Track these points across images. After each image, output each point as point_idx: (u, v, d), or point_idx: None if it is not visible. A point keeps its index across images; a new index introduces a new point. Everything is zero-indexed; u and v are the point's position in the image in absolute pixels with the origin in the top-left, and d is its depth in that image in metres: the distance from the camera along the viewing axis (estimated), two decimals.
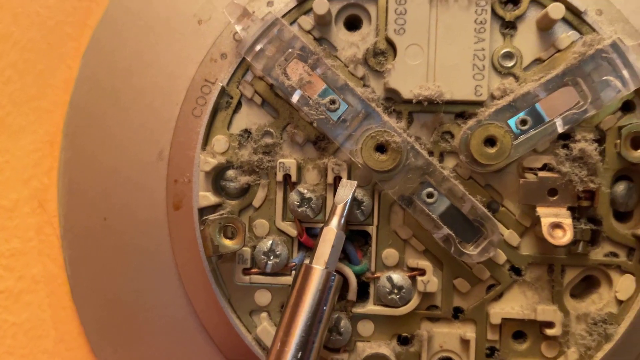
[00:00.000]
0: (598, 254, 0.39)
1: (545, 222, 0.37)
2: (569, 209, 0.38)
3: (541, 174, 0.38)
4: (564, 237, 0.37)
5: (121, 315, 0.43)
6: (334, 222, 0.38)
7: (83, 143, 0.43)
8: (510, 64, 0.39)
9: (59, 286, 0.45)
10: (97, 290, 0.43)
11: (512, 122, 0.38)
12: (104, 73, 0.43)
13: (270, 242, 0.39)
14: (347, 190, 0.38)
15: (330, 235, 0.37)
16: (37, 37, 0.45)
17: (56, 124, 0.45)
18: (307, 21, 0.40)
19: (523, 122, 0.38)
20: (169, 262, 0.42)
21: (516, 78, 0.39)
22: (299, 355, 0.35)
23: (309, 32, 0.40)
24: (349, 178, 0.40)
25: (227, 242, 0.38)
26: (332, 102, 0.38)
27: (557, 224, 0.37)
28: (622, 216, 0.40)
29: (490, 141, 0.37)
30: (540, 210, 0.38)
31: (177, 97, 0.42)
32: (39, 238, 0.45)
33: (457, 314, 0.40)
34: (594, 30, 0.39)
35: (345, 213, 0.38)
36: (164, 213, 0.42)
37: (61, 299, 0.45)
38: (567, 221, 0.37)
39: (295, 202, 0.39)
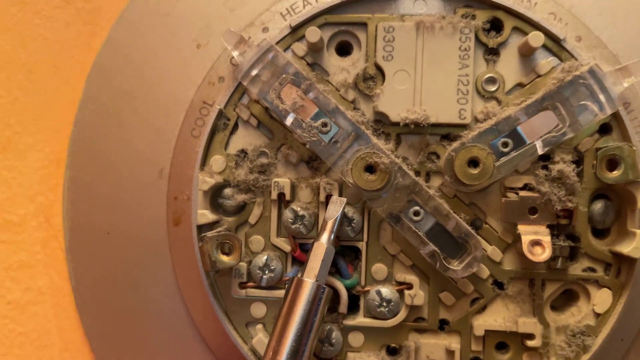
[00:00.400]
0: (577, 269, 0.41)
1: (525, 239, 0.39)
2: (549, 226, 0.40)
3: (522, 193, 0.40)
4: (542, 254, 0.39)
5: (124, 325, 0.45)
6: (324, 237, 0.40)
7: (87, 161, 0.45)
8: (493, 88, 0.41)
9: (64, 297, 0.47)
10: (100, 302, 0.45)
11: (495, 144, 0.40)
12: (107, 94, 0.45)
13: (265, 257, 0.41)
14: (337, 206, 0.40)
15: (320, 249, 0.39)
16: (43, 60, 0.47)
17: (62, 142, 0.47)
18: (300, 47, 0.42)
19: (505, 144, 0.40)
20: (169, 275, 0.44)
21: (499, 102, 0.41)
22: None
23: (302, 57, 0.42)
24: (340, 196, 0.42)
25: (224, 258, 0.40)
26: (324, 124, 0.40)
27: (537, 242, 0.39)
28: (599, 233, 0.42)
29: (474, 162, 0.39)
30: (521, 228, 0.40)
31: (177, 118, 0.44)
32: (45, 251, 0.47)
33: (442, 326, 0.42)
34: (572, 56, 0.41)
35: (335, 228, 0.40)
36: (164, 228, 0.44)
37: (66, 309, 0.47)
38: (546, 239, 0.39)
39: (289, 219, 0.41)
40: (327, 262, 0.39)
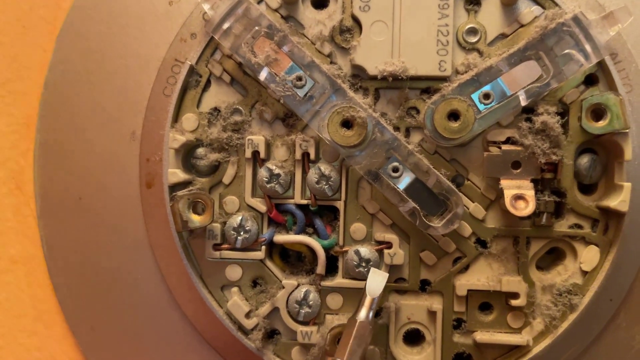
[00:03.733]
0: (563, 225, 0.40)
1: (508, 194, 0.38)
2: (533, 181, 0.39)
3: (505, 147, 0.39)
4: (526, 209, 0.37)
5: (97, 292, 0.44)
6: (363, 313, 0.37)
7: (58, 124, 0.44)
8: (474, 39, 0.40)
9: (37, 266, 0.46)
10: (73, 269, 0.44)
11: (476, 96, 0.38)
12: (77, 55, 0.44)
13: (240, 218, 0.40)
14: (379, 281, 0.38)
15: (363, 330, 0.37)
16: (12, 21, 0.46)
17: (32, 106, 0.46)
18: (274, 0, 0.40)
19: (486, 96, 0.38)
20: (143, 239, 0.43)
21: (480, 53, 0.40)
22: None
23: (276, 10, 0.40)
24: (317, 155, 0.40)
25: (196, 218, 0.39)
26: (299, 78, 0.39)
27: (520, 196, 0.38)
28: (586, 188, 0.40)
29: (454, 115, 0.38)
30: (504, 183, 0.38)
31: (149, 77, 0.42)
32: (17, 219, 0.46)
33: (424, 287, 0.41)
34: (556, 4, 0.39)
35: (374, 306, 0.37)
36: (137, 191, 0.43)
37: (39, 278, 0.46)
38: (530, 193, 0.38)
39: (264, 178, 0.40)
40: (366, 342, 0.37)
